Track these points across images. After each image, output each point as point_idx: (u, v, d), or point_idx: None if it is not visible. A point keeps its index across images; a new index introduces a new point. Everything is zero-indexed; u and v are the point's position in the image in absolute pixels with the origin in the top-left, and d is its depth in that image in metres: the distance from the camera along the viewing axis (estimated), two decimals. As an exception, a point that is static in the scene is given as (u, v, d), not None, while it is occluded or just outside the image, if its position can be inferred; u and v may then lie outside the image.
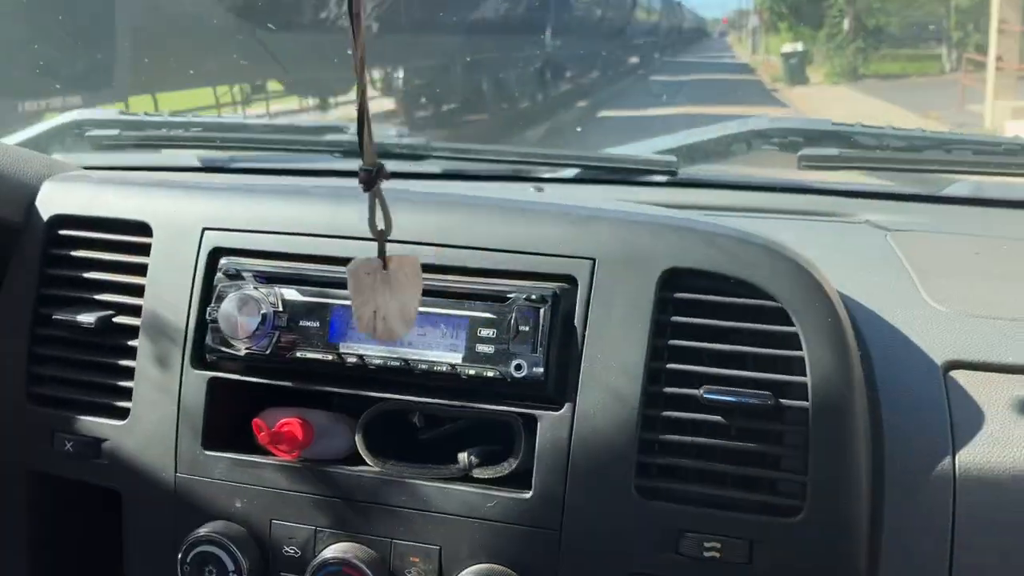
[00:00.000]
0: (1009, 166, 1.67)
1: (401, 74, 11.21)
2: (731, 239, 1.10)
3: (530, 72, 12.69)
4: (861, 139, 1.76)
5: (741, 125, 1.82)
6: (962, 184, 1.74)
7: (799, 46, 22.38)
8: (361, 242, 1.17)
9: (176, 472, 1.18)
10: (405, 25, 9.26)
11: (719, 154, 1.85)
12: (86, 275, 1.26)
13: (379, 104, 11.49)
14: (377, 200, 0.93)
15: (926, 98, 13.91)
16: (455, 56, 10.70)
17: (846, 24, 22.25)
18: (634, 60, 21.61)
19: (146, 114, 1.99)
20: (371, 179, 0.92)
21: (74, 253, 1.27)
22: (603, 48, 17.42)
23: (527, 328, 1.08)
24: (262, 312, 1.14)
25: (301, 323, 1.14)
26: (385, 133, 1.94)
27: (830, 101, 16.52)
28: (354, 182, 1.74)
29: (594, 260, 1.10)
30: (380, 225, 0.93)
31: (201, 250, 1.20)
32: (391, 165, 1.93)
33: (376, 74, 11.13)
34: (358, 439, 1.14)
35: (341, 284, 1.15)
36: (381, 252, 0.97)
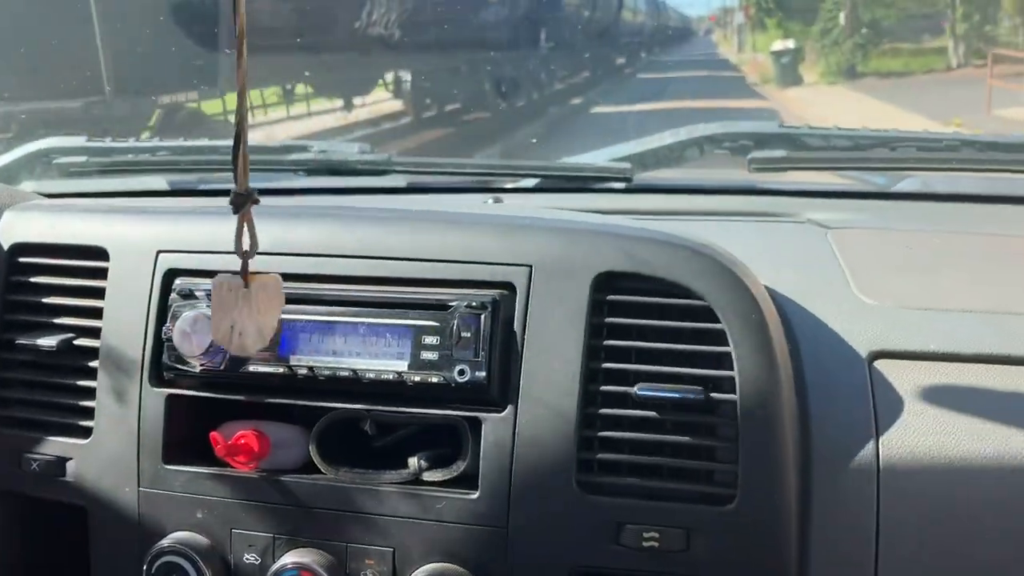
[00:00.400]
0: (950, 161, 1.72)
1: (393, 78, 11.75)
2: (659, 242, 1.15)
3: (521, 73, 13.24)
4: (808, 140, 1.80)
5: (692, 131, 1.86)
6: (911, 180, 1.79)
7: (790, 43, 20.67)
8: (309, 258, 1.21)
9: (139, 487, 1.22)
10: (390, 29, 9.74)
11: (672, 159, 1.89)
12: (47, 300, 1.30)
13: (377, 109, 11.88)
14: (245, 223, 1.00)
15: (937, 99, 12.75)
16: (447, 58, 11.24)
17: (842, 18, 20.52)
18: (620, 60, 22.03)
19: (113, 140, 2.03)
20: (241, 203, 0.99)
21: (34, 279, 1.31)
22: (590, 49, 18.10)
23: (469, 334, 1.13)
24: None
25: (275, 329, 1.18)
26: (347, 150, 1.98)
27: (828, 104, 15.28)
28: (319, 200, 1.79)
29: (531, 267, 1.14)
30: (246, 246, 1.00)
31: (156, 272, 1.24)
32: (355, 181, 1.98)
33: (368, 78, 11.57)
34: (312, 448, 1.18)
35: (290, 299, 1.19)
36: (243, 270, 1.03)
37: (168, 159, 1.99)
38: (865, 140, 1.78)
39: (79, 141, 2.05)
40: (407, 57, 10.99)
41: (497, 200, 1.75)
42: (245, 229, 1.03)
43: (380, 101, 12.38)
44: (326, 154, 1.95)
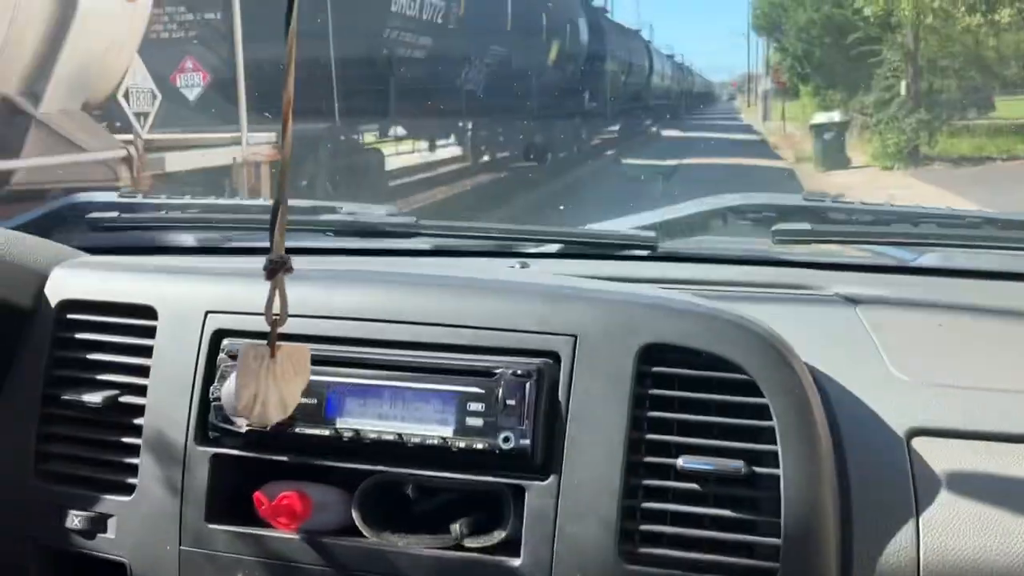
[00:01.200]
0: (973, 238, 1.75)
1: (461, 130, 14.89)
2: (705, 316, 1.17)
3: (564, 130, 16.39)
4: (832, 214, 1.84)
5: (717, 201, 1.90)
6: (932, 255, 1.82)
7: (836, 116, 16.96)
8: (356, 322, 1.23)
9: (180, 545, 1.23)
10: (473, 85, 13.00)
11: (697, 229, 1.92)
12: (94, 357, 1.32)
13: (447, 152, 14.97)
14: (277, 290, 0.99)
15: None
16: (505, 118, 14.41)
17: (903, 87, 16.82)
18: (648, 122, 23.94)
19: (144, 196, 2.06)
20: (274, 270, 0.98)
21: (82, 336, 1.33)
22: (623, 111, 21.12)
23: (514, 402, 1.15)
24: None
25: (299, 400, 1.20)
26: (376, 212, 2.02)
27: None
28: (348, 262, 1.82)
29: (575, 336, 1.17)
30: (275, 314, 0.99)
31: (204, 332, 1.26)
32: (382, 243, 2.02)
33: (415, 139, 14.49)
34: (354, 511, 1.20)
35: (336, 362, 1.21)
36: (271, 340, 1.02)
37: (197, 216, 2.02)
38: (887, 215, 1.82)
39: (110, 196, 2.08)
40: (475, 114, 14.04)
41: (524, 265, 1.78)
42: (276, 296, 1.03)
43: (449, 145, 15.42)
44: (355, 216, 1.98)
